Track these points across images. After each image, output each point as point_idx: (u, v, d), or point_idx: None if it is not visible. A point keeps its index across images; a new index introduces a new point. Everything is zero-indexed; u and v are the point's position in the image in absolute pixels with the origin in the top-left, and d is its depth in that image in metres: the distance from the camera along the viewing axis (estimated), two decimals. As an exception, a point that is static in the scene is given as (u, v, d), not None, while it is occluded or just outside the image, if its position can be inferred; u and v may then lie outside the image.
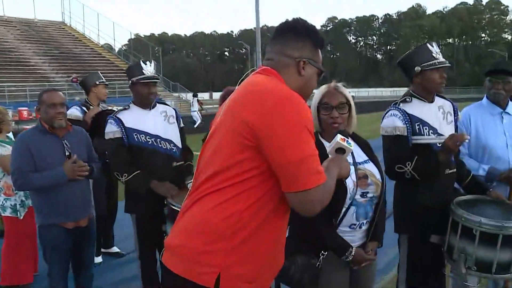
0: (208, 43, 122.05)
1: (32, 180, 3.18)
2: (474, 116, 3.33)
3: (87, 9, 34.22)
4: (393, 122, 2.86)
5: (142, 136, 3.44)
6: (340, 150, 1.94)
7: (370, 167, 2.48)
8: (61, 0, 34.60)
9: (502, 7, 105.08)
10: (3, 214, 4.30)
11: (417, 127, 2.84)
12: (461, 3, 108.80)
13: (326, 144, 2.45)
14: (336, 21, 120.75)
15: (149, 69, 3.51)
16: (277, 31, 1.82)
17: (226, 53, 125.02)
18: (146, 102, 3.55)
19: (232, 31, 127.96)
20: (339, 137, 1.95)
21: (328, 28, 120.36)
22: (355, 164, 2.43)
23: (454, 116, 3.03)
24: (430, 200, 2.83)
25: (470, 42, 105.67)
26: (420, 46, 2.96)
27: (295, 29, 1.78)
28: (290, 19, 1.82)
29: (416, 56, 2.91)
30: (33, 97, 18.98)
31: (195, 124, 20.94)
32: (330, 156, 1.96)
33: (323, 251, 2.37)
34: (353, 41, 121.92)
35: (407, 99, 2.93)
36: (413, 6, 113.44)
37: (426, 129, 2.84)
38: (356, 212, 2.40)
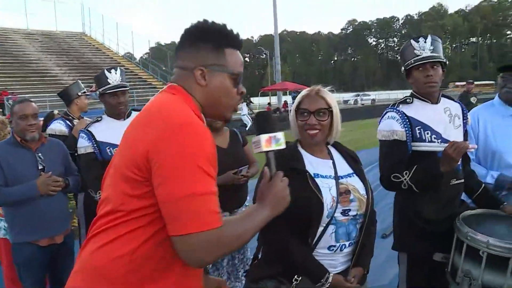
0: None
1: (2, 195, 3.03)
2: (483, 118, 2.95)
3: (106, 19, 34.75)
4: (390, 126, 2.57)
5: (116, 150, 3.21)
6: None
7: (354, 181, 2.17)
8: (82, 11, 35.25)
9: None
10: None
11: (417, 131, 2.53)
12: (485, 0, 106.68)
13: (305, 154, 2.19)
14: (356, 23, 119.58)
15: (114, 77, 3.30)
16: (177, 43, 1.58)
17: (247, 58, 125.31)
18: (117, 113, 3.35)
19: (252, 37, 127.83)
20: (263, 139, 1.54)
21: (348, 31, 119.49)
22: (336, 178, 2.14)
23: (463, 119, 2.69)
24: (434, 213, 2.52)
25: (494, 40, 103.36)
26: (405, 44, 2.67)
27: (189, 35, 1.53)
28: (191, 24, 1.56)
29: (402, 55, 2.65)
30: (53, 108, 19.15)
31: (246, 127, 21.30)
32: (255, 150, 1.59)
33: (297, 276, 2.05)
34: (374, 43, 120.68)
35: (408, 100, 2.63)
36: (434, 6, 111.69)
37: (428, 134, 2.53)
38: (335, 232, 2.08)
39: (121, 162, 1.43)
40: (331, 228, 2.07)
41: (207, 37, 1.51)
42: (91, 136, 3.25)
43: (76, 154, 3.43)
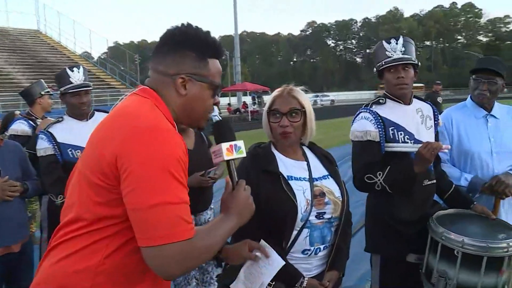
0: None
1: None
2: (456, 119, 2.95)
3: (62, 17, 33.65)
4: (364, 126, 2.54)
5: (78, 152, 3.09)
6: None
7: (329, 184, 2.13)
8: (36, 7, 33.90)
9: (476, 10, 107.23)
10: None
11: (391, 132, 2.52)
12: (437, 6, 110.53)
13: (279, 156, 2.12)
14: (315, 25, 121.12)
15: (77, 76, 3.16)
16: (156, 44, 1.50)
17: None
18: (80, 113, 3.20)
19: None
20: (224, 148, 1.53)
21: (308, 32, 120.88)
22: (311, 180, 2.08)
23: (435, 120, 2.70)
24: (407, 214, 2.51)
25: (447, 44, 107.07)
26: (377, 44, 2.65)
27: (172, 40, 1.46)
28: (172, 26, 1.49)
29: (375, 56, 2.63)
30: (6, 108, 18.39)
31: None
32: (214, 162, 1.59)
33: (270, 280, 2.00)
34: (333, 45, 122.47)
35: (381, 100, 2.62)
36: (391, 9, 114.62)
37: (401, 134, 2.52)
38: (310, 236, 2.03)
39: (86, 167, 1.34)
40: (305, 231, 2.02)
41: (192, 45, 1.45)
42: (51, 137, 3.09)
43: None
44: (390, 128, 2.52)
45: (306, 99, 2.14)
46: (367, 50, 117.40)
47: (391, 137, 2.51)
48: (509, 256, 2.21)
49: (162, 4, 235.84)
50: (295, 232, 2.00)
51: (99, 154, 1.29)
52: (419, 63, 2.60)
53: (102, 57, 37.47)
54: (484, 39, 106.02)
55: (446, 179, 2.74)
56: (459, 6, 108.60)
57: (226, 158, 1.53)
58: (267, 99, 2.19)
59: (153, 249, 1.22)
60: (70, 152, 3.09)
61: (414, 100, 2.66)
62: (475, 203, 2.63)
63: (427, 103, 2.73)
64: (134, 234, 1.27)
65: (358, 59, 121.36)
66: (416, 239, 2.51)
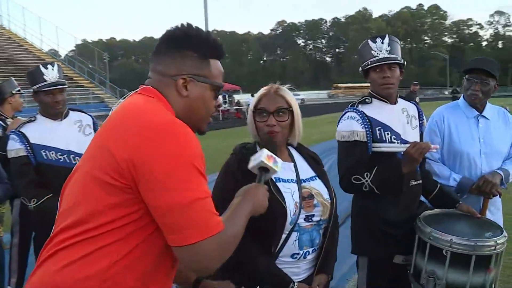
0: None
1: None
2: (448, 118, 2.95)
3: (27, 13, 32.65)
4: (350, 126, 2.50)
5: (52, 153, 2.95)
6: (263, 169, 1.65)
7: (317, 185, 2.08)
8: (-2, 1, 32.74)
9: (441, 12, 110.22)
10: None
11: (377, 132, 2.49)
12: (405, 7, 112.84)
13: None
14: (285, 24, 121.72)
15: (51, 73, 3.01)
16: (156, 44, 1.47)
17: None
18: (54, 112, 3.05)
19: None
20: (265, 153, 1.64)
21: (278, 32, 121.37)
22: (299, 181, 2.04)
23: (419, 120, 2.70)
24: (395, 215, 2.49)
25: (414, 45, 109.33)
26: (363, 43, 2.63)
27: (172, 40, 1.43)
28: (172, 27, 1.46)
29: (360, 55, 2.60)
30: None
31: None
32: (251, 169, 1.67)
33: (259, 286, 1.93)
34: (302, 44, 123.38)
35: (367, 100, 2.58)
36: (360, 10, 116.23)
37: (388, 134, 2.50)
38: (299, 240, 1.98)
39: (94, 167, 1.27)
40: (294, 235, 1.97)
41: (193, 45, 1.42)
42: (23, 138, 2.92)
43: None
44: (377, 128, 2.49)
45: (293, 98, 2.08)
46: (337, 50, 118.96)
47: (378, 137, 2.49)
48: (496, 254, 2.23)
49: (130, 2, 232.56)
50: (284, 236, 1.95)
51: (112, 153, 1.23)
52: (405, 63, 2.59)
53: (70, 55, 36.53)
54: (449, 40, 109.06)
55: (431, 179, 2.74)
56: (425, 7, 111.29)
57: (262, 159, 1.63)
58: (248, 98, 2.14)
59: (189, 248, 1.21)
60: (44, 153, 2.94)
61: (399, 99, 2.65)
62: (460, 202, 2.64)
63: (412, 102, 2.73)
64: (148, 235, 1.26)
65: (327, 59, 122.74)
66: (403, 240, 2.50)
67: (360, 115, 2.51)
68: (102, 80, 29.51)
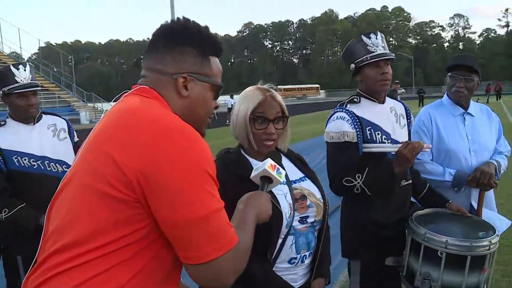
0: (124, 50, 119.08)
1: None
2: (435, 117, 2.94)
3: (-14, 15, 31.54)
4: (340, 127, 2.43)
5: (25, 159, 2.76)
6: (266, 178, 1.60)
7: (308, 185, 2.02)
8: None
9: (405, 14, 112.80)
10: None
11: (368, 132, 2.43)
12: (370, 9, 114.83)
13: (254, 162, 1.94)
14: (252, 26, 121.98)
15: (23, 74, 2.81)
16: (150, 40, 1.36)
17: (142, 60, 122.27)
18: (26, 116, 2.86)
19: (148, 38, 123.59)
20: (268, 162, 1.60)
21: (245, 33, 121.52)
22: (289, 183, 1.96)
23: (407, 119, 2.66)
24: (386, 217, 2.45)
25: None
26: (355, 38, 2.57)
27: (170, 35, 1.31)
28: (168, 21, 1.35)
29: (350, 52, 2.53)
30: None
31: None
32: (253, 179, 1.62)
33: None
34: (270, 46, 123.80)
35: (355, 99, 2.52)
36: (326, 11, 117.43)
37: (378, 134, 2.45)
38: (295, 243, 1.91)
39: (91, 176, 1.13)
40: (290, 239, 1.90)
41: (193, 41, 1.31)
42: None
43: None
44: (367, 128, 2.44)
45: (284, 103, 2.02)
46: (304, 51, 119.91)
47: (368, 137, 2.43)
48: (490, 254, 2.21)
49: (96, 4, 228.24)
50: (280, 241, 1.88)
51: (117, 163, 1.09)
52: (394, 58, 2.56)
53: (33, 57, 35.48)
54: (413, 41, 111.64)
55: (420, 179, 2.72)
56: (390, 9, 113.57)
57: (265, 167, 1.59)
58: (246, 102, 1.99)
59: (207, 265, 1.12)
60: (15, 160, 2.75)
61: (387, 98, 2.61)
62: (450, 201, 2.62)
63: (398, 101, 2.70)
64: (155, 254, 1.15)
65: (295, 60, 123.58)
66: (393, 242, 2.46)
67: (350, 115, 2.44)
68: (68, 84, 28.74)
